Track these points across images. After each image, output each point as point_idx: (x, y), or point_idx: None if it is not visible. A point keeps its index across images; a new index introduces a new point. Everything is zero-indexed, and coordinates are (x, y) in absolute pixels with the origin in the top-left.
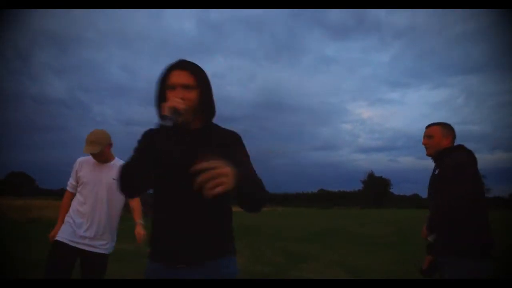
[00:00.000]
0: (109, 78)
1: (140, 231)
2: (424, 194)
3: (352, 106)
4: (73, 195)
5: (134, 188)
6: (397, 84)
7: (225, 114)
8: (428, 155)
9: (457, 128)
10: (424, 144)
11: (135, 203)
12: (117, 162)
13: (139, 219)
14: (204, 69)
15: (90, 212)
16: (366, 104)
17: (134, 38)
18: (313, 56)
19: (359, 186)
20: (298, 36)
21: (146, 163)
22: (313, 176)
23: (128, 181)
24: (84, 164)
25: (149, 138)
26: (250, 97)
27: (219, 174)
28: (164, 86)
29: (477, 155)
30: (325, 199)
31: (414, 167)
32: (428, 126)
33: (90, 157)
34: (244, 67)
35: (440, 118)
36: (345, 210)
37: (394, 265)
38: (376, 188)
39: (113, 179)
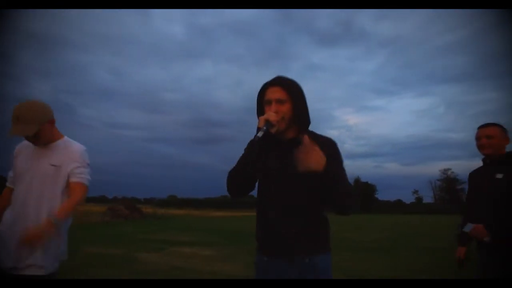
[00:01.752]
0: (95, 81)
1: (43, 227)
2: (408, 199)
3: (339, 112)
4: (12, 190)
5: (238, 189)
6: (382, 92)
7: (213, 119)
8: (486, 154)
9: (439, 136)
10: (482, 144)
11: (71, 197)
12: (63, 142)
13: (55, 216)
14: (298, 84)
15: (21, 208)
16: (353, 111)
17: (122, 41)
18: (301, 63)
19: None
20: (286, 43)
21: (248, 169)
22: None
23: (236, 185)
24: (22, 150)
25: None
26: (238, 103)
27: (313, 150)
28: (262, 101)
29: (458, 163)
30: None
31: (398, 173)
32: (484, 126)
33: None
34: (232, 72)
35: (424, 126)
36: (332, 215)
37: (391, 270)
38: (362, 194)
39: (52, 165)
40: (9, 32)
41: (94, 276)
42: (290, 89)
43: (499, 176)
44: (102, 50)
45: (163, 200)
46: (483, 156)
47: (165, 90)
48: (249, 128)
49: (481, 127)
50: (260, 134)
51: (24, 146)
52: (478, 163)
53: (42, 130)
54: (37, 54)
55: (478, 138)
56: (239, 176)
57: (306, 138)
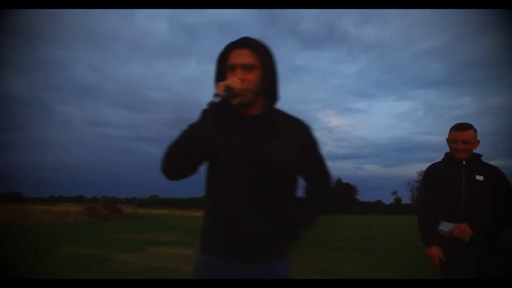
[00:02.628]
0: (75, 77)
1: None
2: (387, 200)
3: (321, 114)
4: None
5: (177, 171)
6: (364, 95)
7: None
8: (460, 158)
9: (418, 138)
10: (458, 149)
11: None
12: None
13: None
14: (270, 49)
15: None
16: (335, 113)
17: (104, 37)
18: (284, 65)
19: None
20: (270, 44)
21: (196, 145)
22: None
23: (173, 161)
24: None
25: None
26: None
27: None
28: (223, 66)
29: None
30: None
31: (378, 175)
32: (461, 130)
33: None
34: None
35: (403, 129)
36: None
37: (365, 268)
38: (343, 195)
39: None
40: None
41: (77, 277)
42: (262, 54)
43: (480, 178)
44: (83, 46)
45: (144, 200)
46: (447, 153)
47: (148, 88)
48: None
49: (458, 129)
50: (217, 99)
51: None
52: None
53: None
54: (13, 48)
55: (454, 141)
56: (183, 154)
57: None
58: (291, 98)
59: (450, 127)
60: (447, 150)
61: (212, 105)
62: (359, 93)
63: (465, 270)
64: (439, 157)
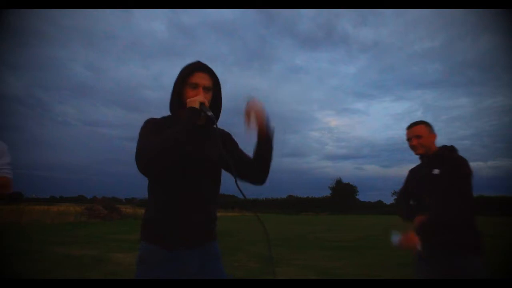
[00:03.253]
0: (72, 77)
1: None
2: (388, 200)
3: (321, 114)
4: None
5: (156, 167)
6: (362, 95)
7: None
8: (418, 154)
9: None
10: (413, 145)
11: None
12: None
13: None
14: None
15: None
16: (334, 113)
17: (101, 37)
18: (282, 65)
19: (327, 193)
20: (268, 45)
21: (172, 148)
22: (282, 182)
23: (158, 163)
24: None
25: (161, 125)
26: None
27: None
28: (185, 83)
29: None
30: (293, 205)
31: (378, 175)
32: (411, 126)
33: None
34: (215, 72)
35: (401, 129)
36: (313, 216)
37: (364, 268)
38: (343, 195)
39: None
40: None
41: (71, 277)
42: (216, 81)
43: (436, 171)
44: (80, 45)
45: (144, 200)
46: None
47: (145, 88)
48: (231, 128)
49: (408, 128)
50: (210, 113)
51: None
52: None
53: None
54: (10, 48)
55: (408, 139)
56: (169, 154)
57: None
58: (289, 98)
59: (448, 127)
60: None
61: (195, 112)
62: (358, 94)
63: (434, 270)
64: None
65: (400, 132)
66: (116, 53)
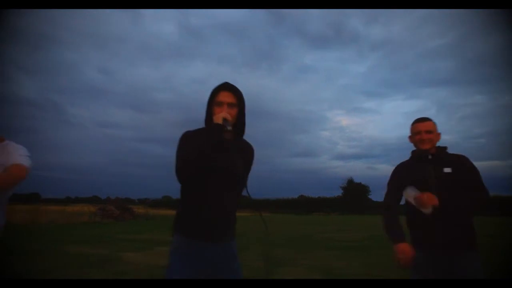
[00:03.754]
0: (85, 79)
1: None
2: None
3: (331, 114)
4: None
5: (188, 175)
6: (373, 94)
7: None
8: (427, 148)
9: None
10: (422, 139)
11: (8, 172)
12: (6, 145)
13: None
14: (242, 93)
15: None
16: (344, 113)
17: (112, 40)
18: (292, 65)
19: (338, 192)
20: (278, 45)
21: (199, 157)
22: (293, 182)
23: (188, 169)
24: None
25: (194, 138)
26: None
27: None
28: (212, 103)
29: None
30: (304, 205)
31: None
32: (422, 121)
33: None
34: (223, 73)
35: None
36: (324, 216)
37: (366, 267)
38: (355, 195)
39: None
40: None
41: (75, 276)
42: (240, 97)
43: (448, 170)
44: (92, 49)
45: (157, 200)
46: (414, 150)
47: (155, 89)
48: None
49: (418, 122)
50: (229, 127)
51: None
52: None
53: None
54: (25, 52)
55: (417, 132)
56: (195, 161)
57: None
58: (299, 98)
59: (462, 125)
60: (460, 148)
61: (219, 127)
62: (368, 93)
63: (434, 271)
64: None
65: None
66: (127, 56)
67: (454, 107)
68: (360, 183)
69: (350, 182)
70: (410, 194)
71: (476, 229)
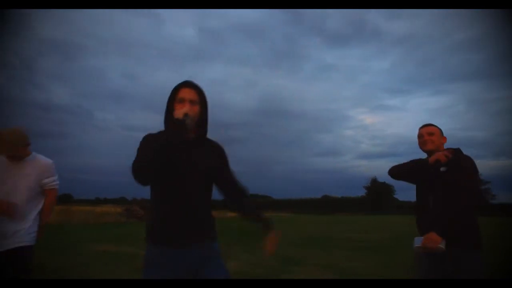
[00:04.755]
0: (110, 84)
1: (37, 236)
2: None
3: (354, 112)
4: None
5: (145, 179)
6: (397, 91)
7: (225, 121)
8: (427, 149)
9: (459, 135)
10: (425, 140)
11: (45, 204)
12: (34, 157)
13: (41, 222)
14: (204, 91)
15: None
16: (367, 111)
17: (135, 45)
18: (312, 64)
19: (362, 192)
20: (297, 44)
21: (154, 160)
22: (317, 182)
23: (142, 173)
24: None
25: (153, 141)
26: (251, 104)
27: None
28: (173, 99)
29: (482, 162)
30: (328, 205)
31: None
32: (425, 126)
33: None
34: (244, 74)
35: (441, 124)
36: (347, 216)
37: (382, 268)
38: (379, 194)
39: (28, 174)
40: (30, 40)
41: (100, 272)
42: (202, 94)
43: (443, 169)
44: (116, 55)
45: None
46: (425, 151)
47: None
48: (261, 129)
49: (421, 127)
50: (186, 119)
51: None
52: (503, 161)
53: (18, 152)
54: (55, 60)
55: (420, 136)
56: (153, 165)
57: None
58: (321, 97)
59: (496, 121)
60: (495, 146)
61: (178, 122)
62: (392, 90)
63: (436, 271)
64: (485, 154)
65: (440, 128)
66: (150, 60)
67: (486, 102)
68: (384, 182)
69: (374, 181)
70: (416, 245)
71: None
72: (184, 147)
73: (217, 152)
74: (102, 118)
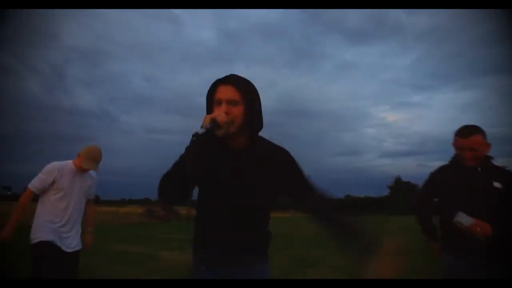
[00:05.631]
0: (133, 88)
1: (88, 240)
2: None
3: (375, 110)
4: (34, 196)
5: (172, 197)
6: (420, 87)
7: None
8: (470, 165)
9: (490, 131)
10: (465, 157)
11: (91, 211)
12: (93, 176)
13: (90, 228)
14: (253, 85)
15: (69, 216)
16: (389, 108)
17: (155, 49)
18: (332, 62)
19: (385, 192)
20: (316, 43)
21: (184, 175)
22: (339, 181)
23: (167, 190)
24: (64, 173)
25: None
26: (271, 104)
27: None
28: (211, 100)
29: None
30: (350, 206)
31: None
32: (466, 136)
33: (67, 164)
34: (264, 74)
35: (469, 121)
36: (370, 216)
37: (405, 273)
38: (404, 194)
39: (87, 185)
40: (59, 49)
41: (117, 271)
42: (244, 90)
43: (497, 185)
44: (138, 59)
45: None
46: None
47: (198, 94)
48: (281, 129)
49: (462, 136)
50: (200, 130)
51: (63, 169)
52: None
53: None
54: (81, 67)
55: (460, 149)
56: (175, 184)
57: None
58: (341, 96)
59: None
60: None
61: (196, 136)
62: (415, 86)
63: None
64: None
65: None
66: (170, 64)
67: None
68: (408, 182)
69: (398, 180)
70: (462, 222)
71: None
72: (223, 158)
73: (276, 160)
74: (126, 121)
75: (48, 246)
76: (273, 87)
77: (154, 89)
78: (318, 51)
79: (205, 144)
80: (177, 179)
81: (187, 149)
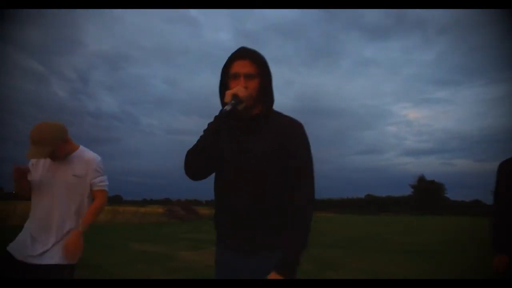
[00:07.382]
0: (153, 91)
1: (70, 242)
2: (488, 199)
3: (396, 108)
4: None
5: (198, 173)
6: (444, 83)
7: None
8: None
9: None
10: None
11: (92, 206)
12: (80, 153)
13: (82, 225)
14: (265, 59)
15: (44, 218)
16: (411, 105)
17: (174, 53)
18: (351, 59)
19: (408, 191)
20: (334, 40)
21: (210, 148)
22: (359, 180)
23: (193, 165)
24: (38, 163)
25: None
26: (289, 103)
27: None
28: (227, 75)
29: None
30: (371, 205)
31: (471, 171)
32: None
33: None
34: (281, 74)
35: (499, 117)
36: (392, 216)
37: (422, 275)
38: (427, 193)
39: (73, 175)
40: (84, 54)
41: (137, 270)
42: (260, 64)
43: None
44: (158, 62)
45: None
46: None
47: (217, 95)
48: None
49: None
50: (228, 107)
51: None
52: None
53: (56, 150)
54: (105, 71)
55: None
56: (201, 156)
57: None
58: (361, 94)
59: None
60: None
61: (224, 113)
62: (439, 81)
63: None
64: None
65: (498, 120)
66: (189, 66)
67: None
68: (432, 181)
69: (421, 179)
70: None
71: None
72: (239, 131)
73: (287, 133)
74: (147, 123)
75: (10, 261)
76: (290, 86)
77: (174, 91)
78: (336, 48)
79: (230, 120)
80: (202, 155)
81: (213, 126)
